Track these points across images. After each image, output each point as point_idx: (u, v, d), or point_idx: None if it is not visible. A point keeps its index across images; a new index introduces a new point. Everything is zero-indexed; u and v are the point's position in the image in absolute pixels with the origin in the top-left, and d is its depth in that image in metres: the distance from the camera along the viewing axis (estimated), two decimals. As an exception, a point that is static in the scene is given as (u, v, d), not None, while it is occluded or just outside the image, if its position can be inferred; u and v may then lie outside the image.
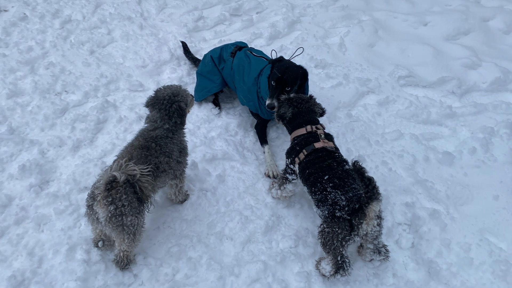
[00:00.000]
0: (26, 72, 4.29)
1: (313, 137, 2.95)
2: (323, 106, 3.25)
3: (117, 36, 4.93)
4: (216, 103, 4.15)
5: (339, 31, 5.27)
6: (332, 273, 2.66)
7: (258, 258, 2.90)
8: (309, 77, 3.66)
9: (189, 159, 3.23)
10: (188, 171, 3.23)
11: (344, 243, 2.57)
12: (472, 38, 5.14)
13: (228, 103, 4.27)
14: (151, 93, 2.99)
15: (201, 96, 4.06)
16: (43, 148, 3.55)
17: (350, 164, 2.72)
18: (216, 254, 2.92)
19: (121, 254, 2.68)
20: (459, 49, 4.89)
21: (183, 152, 2.95)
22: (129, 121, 3.88)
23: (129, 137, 3.51)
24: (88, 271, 2.71)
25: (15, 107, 3.91)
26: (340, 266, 2.62)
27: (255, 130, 3.87)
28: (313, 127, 3.00)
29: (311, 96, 3.22)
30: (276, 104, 3.31)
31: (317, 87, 4.34)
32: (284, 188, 3.14)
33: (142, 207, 2.53)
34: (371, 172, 3.49)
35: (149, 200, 2.56)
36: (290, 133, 3.17)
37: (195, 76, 4.33)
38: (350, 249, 2.90)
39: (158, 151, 2.69)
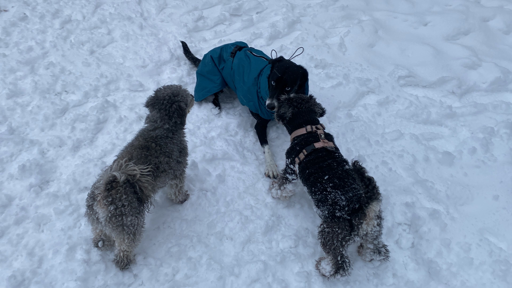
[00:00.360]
0: (26, 72, 4.29)
1: (313, 137, 2.95)
2: (323, 106, 3.24)
3: (117, 36, 4.93)
4: (216, 103, 4.15)
5: (339, 31, 5.28)
6: (332, 273, 2.66)
7: (258, 258, 2.90)
8: (309, 77, 3.66)
9: (189, 159, 3.23)
10: (188, 171, 3.23)
11: (344, 243, 2.57)
12: (472, 38, 5.14)
13: (228, 103, 4.26)
14: (151, 93, 2.99)
15: (201, 96, 4.06)
16: (43, 148, 3.55)
17: (350, 164, 2.72)
18: (216, 254, 2.92)
19: (121, 254, 2.68)
20: (459, 49, 4.89)
21: (183, 152, 2.95)
22: (129, 121, 3.88)
23: (129, 137, 3.52)
24: (88, 271, 2.71)
25: (15, 107, 3.91)
26: (340, 266, 2.62)
27: (255, 130, 3.87)
28: (313, 127, 3.00)
29: (311, 96, 3.21)
30: (276, 104, 3.31)
31: (317, 87, 4.34)
32: (284, 188, 3.14)
33: (142, 207, 2.53)
34: (371, 172, 3.49)
35: (149, 200, 2.57)
36: (290, 133, 3.17)
37: (195, 76, 4.34)
38: (350, 249, 2.91)
39: (158, 151, 2.69)
